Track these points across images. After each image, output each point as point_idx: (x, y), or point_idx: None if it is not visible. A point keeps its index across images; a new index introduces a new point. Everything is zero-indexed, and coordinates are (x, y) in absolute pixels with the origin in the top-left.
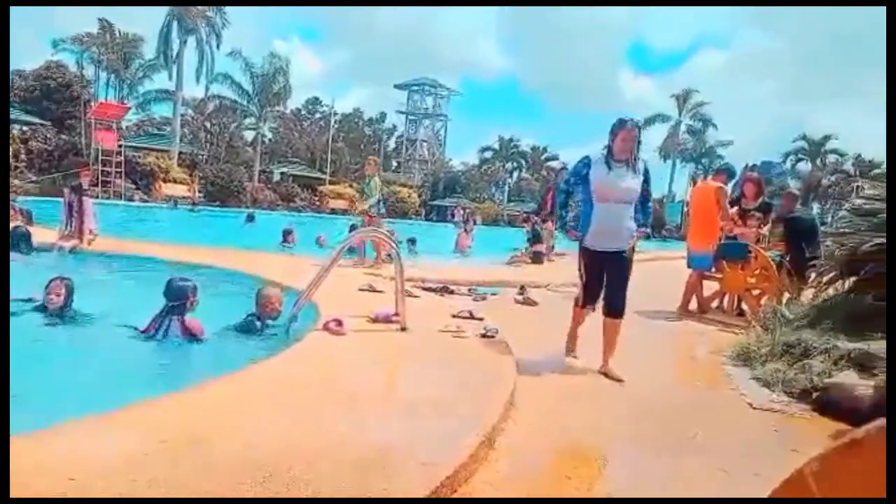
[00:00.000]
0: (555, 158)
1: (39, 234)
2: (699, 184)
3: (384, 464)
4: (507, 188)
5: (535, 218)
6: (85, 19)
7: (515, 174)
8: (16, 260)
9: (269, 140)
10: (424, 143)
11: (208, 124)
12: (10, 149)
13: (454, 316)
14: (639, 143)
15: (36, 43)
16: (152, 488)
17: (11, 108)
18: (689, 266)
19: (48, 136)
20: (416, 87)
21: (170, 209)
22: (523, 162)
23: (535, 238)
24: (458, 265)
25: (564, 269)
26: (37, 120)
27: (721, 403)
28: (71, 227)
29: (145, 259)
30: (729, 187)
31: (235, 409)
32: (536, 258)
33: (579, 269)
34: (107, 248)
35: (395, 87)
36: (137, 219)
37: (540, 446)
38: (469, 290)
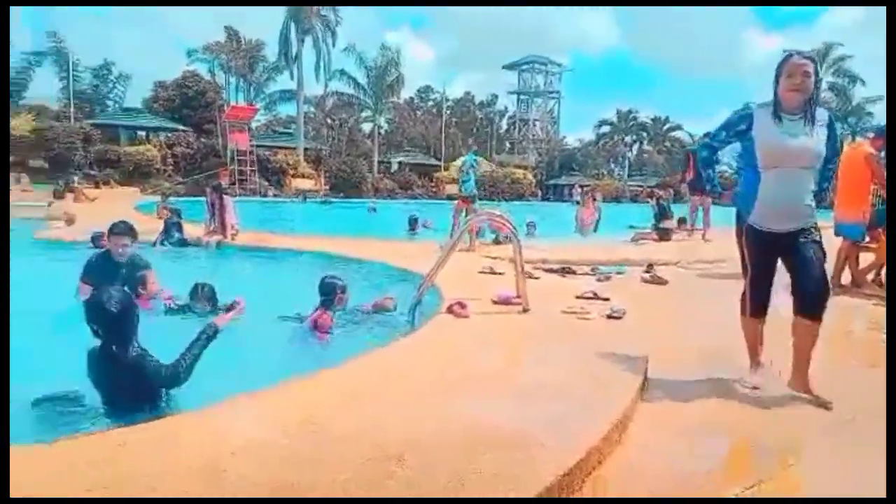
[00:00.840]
0: (678, 128)
1: (188, 231)
2: (847, 147)
3: (512, 448)
4: (627, 163)
5: (660, 192)
6: (212, 29)
7: (636, 147)
8: (168, 251)
9: (386, 131)
10: (537, 122)
11: (329, 120)
12: (158, 154)
13: (578, 297)
14: (817, 84)
15: (173, 55)
16: (284, 466)
17: (159, 117)
18: (836, 235)
19: (190, 140)
20: (525, 66)
21: (300, 203)
22: (644, 134)
23: (661, 213)
24: (579, 245)
25: (700, 247)
26: (179, 126)
27: (880, 385)
28: (214, 223)
29: (284, 251)
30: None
31: (362, 392)
32: (664, 235)
33: (742, 259)
34: (248, 242)
35: (505, 67)
36: (272, 213)
37: (673, 435)
38: (592, 269)
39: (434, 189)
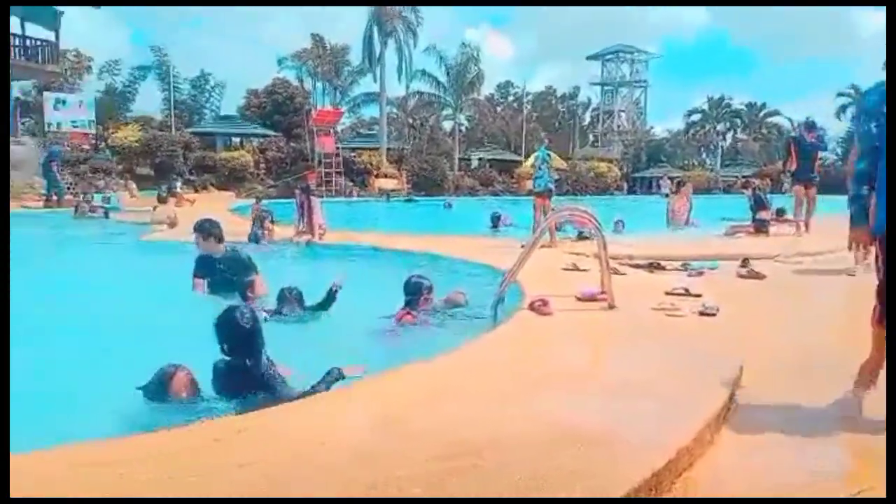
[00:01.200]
0: (776, 114)
1: (280, 232)
2: None
3: (599, 447)
4: (720, 152)
5: (756, 182)
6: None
7: (729, 136)
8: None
9: (466, 128)
10: (622, 113)
11: (411, 119)
12: (252, 159)
13: (668, 293)
14: None
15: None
16: (355, 461)
17: (251, 123)
18: None
19: (280, 145)
20: (610, 56)
21: (383, 202)
22: (738, 122)
23: (758, 204)
24: (668, 239)
25: (800, 240)
26: (270, 132)
27: None
28: (303, 223)
29: (368, 249)
30: None
31: (442, 389)
32: (760, 227)
33: (876, 260)
34: (335, 241)
35: (588, 58)
36: (357, 212)
37: (770, 438)
38: (682, 265)
39: (515, 185)
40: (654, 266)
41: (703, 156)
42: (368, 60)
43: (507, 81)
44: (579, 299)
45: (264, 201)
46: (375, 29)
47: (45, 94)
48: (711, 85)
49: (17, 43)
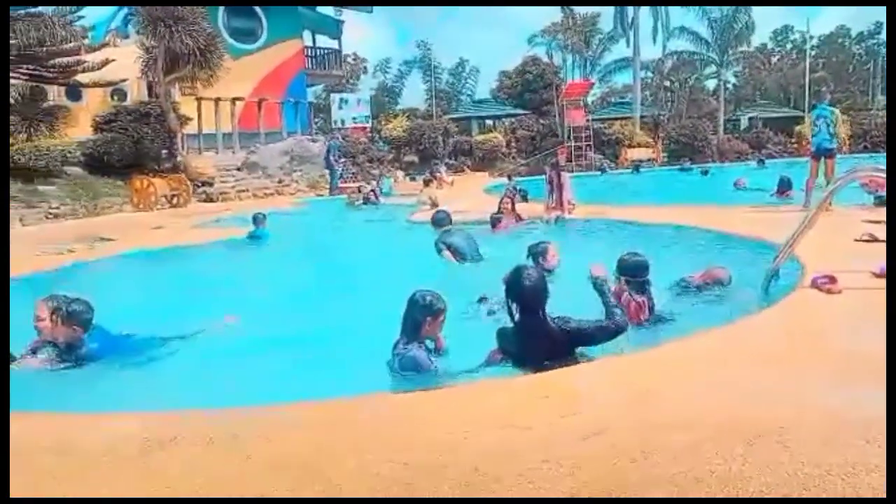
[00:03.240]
0: None
1: (530, 209)
2: None
3: (876, 442)
4: None
5: None
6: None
7: None
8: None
9: (734, 85)
10: None
11: (667, 83)
12: (504, 139)
13: None
14: None
15: (514, 44)
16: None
17: (503, 104)
18: None
19: (530, 123)
20: None
21: (631, 174)
22: None
23: None
24: None
25: None
26: (521, 111)
27: None
28: (553, 199)
29: (621, 222)
30: None
31: (704, 369)
32: None
33: None
34: (587, 215)
35: None
36: (612, 185)
37: None
38: None
39: (795, 145)
40: None
41: None
42: (620, 24)
43: (786, 26)
44: (877, 276)
45: (516, 179)
46: None
47: (332, 95)
48: None
49: (309, 53)
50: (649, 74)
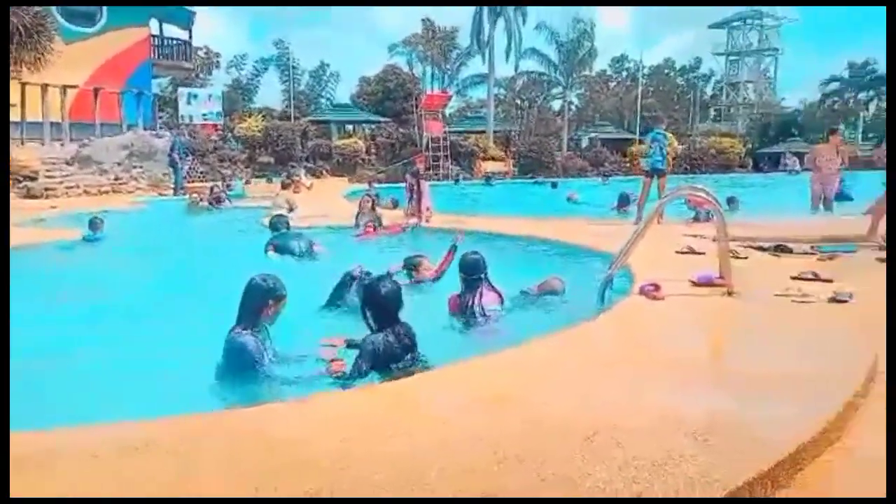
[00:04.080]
0: None
1: (389, 215)
2: None
3: (708, 437)
4: (860, 124)
5: None
6: (410, 22)
7: (873, 105)
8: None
9: (576, 106)
10: (749, 85)
11: (519, 100)
12: (364, 145)
13: (794, 278)
14: None
15: (375, 52)
16: (469, 442)
17: (363, 110)
18: None
19: (390, 131)
20: (736, 23)
21: (484, 186)
22: (884, 89)
23: None
24: (794, 219)
25: None
26: (381, 118)
27: None
28: (412, 206)
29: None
30: None
31: (545, 373)
32: None
33: None
34: (442, 224)
35: (712, 27)
36: (466, 195)
37: None
38: (812, 247)
39: (628, 164)
40: (779, 249)
41: (842, 128)
42: (477, 42)
43: (622, 55)
44: (695, 284)
45: (375, 185)
46: (484, 9)
47: (180, 89)
48: (856, 50)
49: (156, 43)
50: (503, 91)
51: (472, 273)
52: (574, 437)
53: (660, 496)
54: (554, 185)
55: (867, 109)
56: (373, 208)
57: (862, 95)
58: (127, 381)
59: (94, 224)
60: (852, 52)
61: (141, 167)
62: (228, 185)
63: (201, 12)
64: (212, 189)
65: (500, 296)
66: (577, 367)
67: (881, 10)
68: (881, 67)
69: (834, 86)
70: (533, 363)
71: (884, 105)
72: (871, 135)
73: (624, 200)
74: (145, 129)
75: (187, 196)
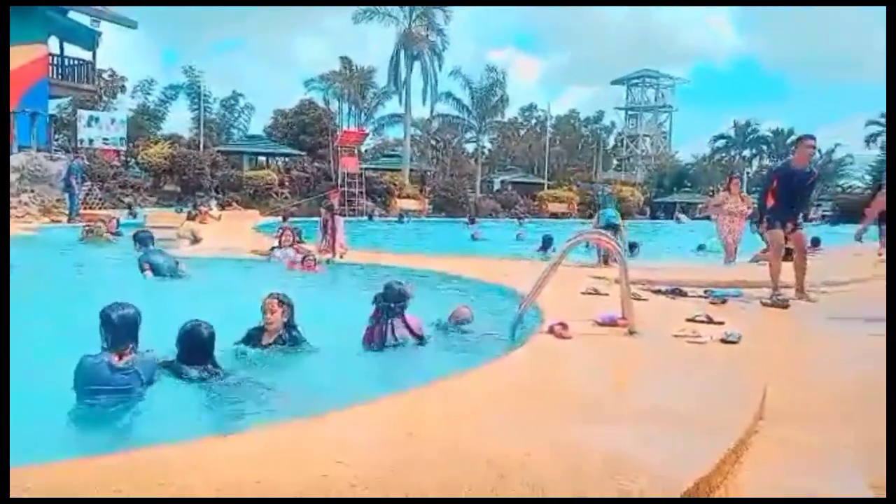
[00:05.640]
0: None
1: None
2: None
3: (613, 474)
4: (745, 178)
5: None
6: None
7: (756, 162)
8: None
9: (489, 150)
10: (647, 138)
11: (434, 141)
12: (277, 178)
13: (689, 320)
14: None
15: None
16: (387, 479)
17: (278, 143)
18: None
19: (305, 165)
20: (635, 81)
21: (398, 223)
22: (764, 148)
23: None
24: (690, 265)
25: (828, 268)
26: (295, 152)
27: None
28: (326, 241)
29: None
30: None
31: (460, 410)
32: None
33: None
34: (357, 260)
35: (613, 83)
36: (382, 231)
37: (796, 466)
38: (705, 292)
39: (537, 207)
40: (675, 292)
41: (741, 174)
42: (394, 83)
43: (531, 104)
44: (599, 324)
45: (291, 219)
46: (402, 52)
47: (80, 111)
48: (740, 110)
49: (55, 62)
50: (418, 132)
51: (399, 301)
52: (484, 466)
53: None
54: (472, 222)
55: (750, 165)
56: (293, 242)
57: (746, 152)
58: None
59: None
60: (738, 112)
61: (32, 191)
62: (133, 214)
63: (108, 34)
64: (103, 220)
65: (419, 325)
66: (479, 405)
67: (771, 77)
68: (762, 128)
69: (721, 143)
70: (449, 398)
71: (766, 162)
72: (753, 189)
73: (547, 242)
74: (39, 150)
75: (82, 224)
